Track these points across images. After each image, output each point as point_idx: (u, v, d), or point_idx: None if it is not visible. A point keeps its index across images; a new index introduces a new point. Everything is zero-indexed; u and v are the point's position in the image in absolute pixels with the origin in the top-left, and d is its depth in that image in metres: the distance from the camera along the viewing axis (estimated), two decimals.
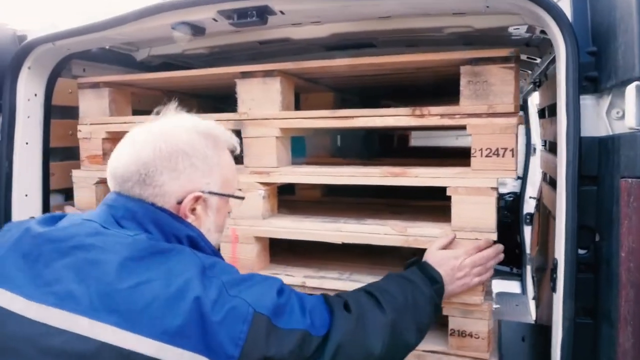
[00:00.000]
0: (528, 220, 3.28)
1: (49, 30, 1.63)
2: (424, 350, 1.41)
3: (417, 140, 3.45)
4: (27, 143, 1.71)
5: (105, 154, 1.81)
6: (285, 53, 2.24)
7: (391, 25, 1.71)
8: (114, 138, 1.81)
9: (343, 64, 1.47)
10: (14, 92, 1.63)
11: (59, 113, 1.91)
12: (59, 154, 1.96)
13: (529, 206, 3.34)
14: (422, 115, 1.38)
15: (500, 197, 3.51)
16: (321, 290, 1.46)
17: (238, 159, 1.57)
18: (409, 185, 1.40)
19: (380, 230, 1.44)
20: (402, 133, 3.23)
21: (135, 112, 1.93)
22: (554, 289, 1.21)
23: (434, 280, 1.21)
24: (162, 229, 0.93)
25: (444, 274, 1.23)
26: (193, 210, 0.99)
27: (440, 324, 1.45)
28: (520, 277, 3.48)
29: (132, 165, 0.95)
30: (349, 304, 1.03)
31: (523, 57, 2.17)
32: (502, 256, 1.33)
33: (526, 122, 3.37)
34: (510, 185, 3.53)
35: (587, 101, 1.15)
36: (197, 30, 1.56)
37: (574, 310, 1.13)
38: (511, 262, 3.49)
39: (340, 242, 1.47)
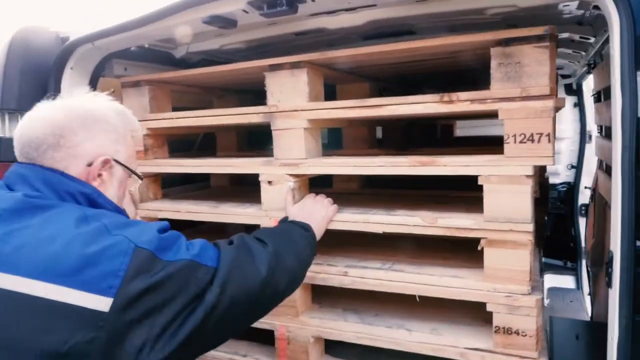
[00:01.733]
0: (583, 212, 3.11)
1: (88, 31, 1.71)
2: (466, 348, 1.36)
3: (463, 130, 3.33)
4: None
5: (147, 150, 1.87)
6: (322, 45, 2.22)
7: (429, 9, 1.65)
8: (155, 134, 1.88)
9: (368, 52, 1.44)
10: (58, 92, 1.72)
11: None
12: None
13: (584, 197, 3.14)
14: (450, 101, 1.33)
15: (553, 187, 3.32)
16: (364, 280, 1.45)
17: (270, 152, 1.60)
18: (440, 174, 1.35)
19: (409, 221, 1.40)
20: (446, 123, 3.13)
21: (176, 109, 1.98)
22: (609, 284, 1.13)
23: (300, 223, 1.37)
24: (53, 187, 0.96)
25: (303, 218, 1.41)
26: (100, 175, 1.03)
27: (484, 320, 1.40)
28: (575, 272, 3.29)
29: (47, 128, 0.99)
30: (233, 241, 1.13)
31: (575, 37, 2.03)
32: None
33: (580, 107, 3.17)
34: (564, 175, 3.33)
35: None
36: (229, 23, 1.58)
37: (631, 308, 1.05)
38: (565, 256, 3.30)
39: (369, 232, 1.45)
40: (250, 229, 1.43)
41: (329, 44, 2.22)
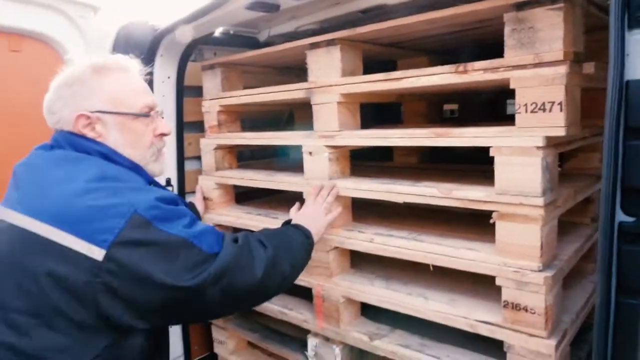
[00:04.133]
0: None
1: (172, 21, 2.00)
2: (476, 320, 1.36)
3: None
4: (162, 117, 2.13)
5: (221, 124, 2.13)
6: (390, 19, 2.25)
7: None
8: (227, 110, 2.13)
9: (387, 26, 1.47)
10: (150, 76, 2.04)
11: (195, 92, 2.31)
12: (197, 127, 2.36)
13: None
14: (465, 71, 1.31)
15: None
16: (386, 247, 1.53)
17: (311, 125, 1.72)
18: (455, 145, 1.35)
19: (427, 192, 1.42)
20: (493, 98, 2.81)
21: (249, 88, 2.20)
22: (596, 262, 1.06)
23: (303, 229, 1.45)
24: (76, 147, 1.16)
25: (306, 223, 1.48)
26: (93, 129, 1.18)
27: (498, 293, 1.38)
28: None
29: (44, 102, 1.22)
30: (238, 239, 1.20)
31: None
32: (336, 190, 1.61)
33: None
34: None
35: (638, 37, 0.96)
36: (271, 7, 1.73)
37: (609, 288, 0.99)
38: None
39: (393, 201, 1.50)
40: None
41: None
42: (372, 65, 1.87)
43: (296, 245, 1.38)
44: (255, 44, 2.48)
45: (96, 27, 2.13)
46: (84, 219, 0.99)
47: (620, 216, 0.95)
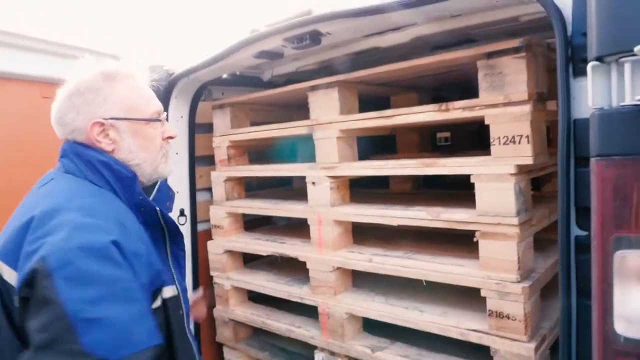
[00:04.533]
0: None
1: (184, 67, 2.22)
2: (466, 329, 1.52)
3: None
4: (177, 153, 2.33)
5: (230, 158, 2.33)
6: (384, 61, 2.47)
7: (460, 24, 1.81)
8: (236, 145, 2.33)
9: (377, 71, 1.69)
10: (166, 116, 2.26)
11: (205, 129, 2.51)
12: (207, 161, 2.56)
13: None
14: (447, 110, 1.51)
15: None
16: (384, 266, 1.69)
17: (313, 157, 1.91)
18: (441, 174, 1.54)
19: (418, 215, 1.60)
20: (479, 127, 3.05)
21: (255, 124, 2.41)
22: None
23: None
24: (81, 158, 1.12)
25: None
26: (106, 136, 1.14)
27: (484, 304, 1.54)
28: None
29: (52, 113, 1.16)
30: None
31: None
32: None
33: None
34: None
35: (582, 83, 1.16)
36: (275, 55, 1.95)
37: (570, 292, 1.16)
38: None
39: (388, 224, 1.68)
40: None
41: (401, 57, 2.45)
42: (368, 100, 2.09)
43: None
44: (259, 83, 2.70)
45: None
46: (14, 249, 0.96)
47: (576, 231, 1.13)
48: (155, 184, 1.31)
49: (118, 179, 1.13)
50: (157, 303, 1.08)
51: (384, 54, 2.36)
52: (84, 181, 1.11)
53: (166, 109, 2.25)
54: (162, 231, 1.21)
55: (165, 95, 2.28)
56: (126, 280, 0.94)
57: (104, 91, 1.14)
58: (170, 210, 1.36)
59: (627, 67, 0.89)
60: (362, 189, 2.27)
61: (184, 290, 1.24)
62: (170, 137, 1.28)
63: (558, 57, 1.13)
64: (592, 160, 0.99)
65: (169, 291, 1.13)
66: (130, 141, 1.17)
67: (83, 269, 0.89)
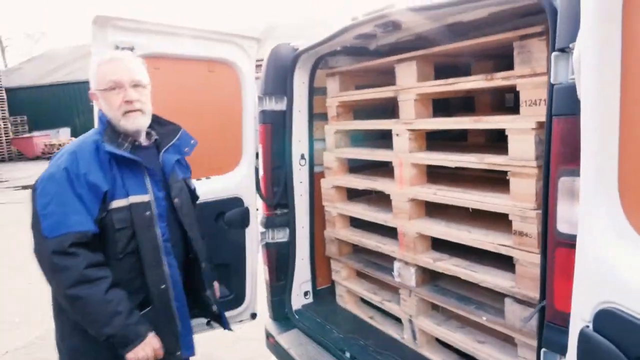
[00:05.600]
0: None
1: (306, 44, 2.90)
2: (499, 244, 2.05)
3: None
4: (299, 111, 3.06)
5: (339, 115, 3.01)
6: (473, 29, 2.89)
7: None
8: (343, 105, 2.99)
9: (443, 49, 2.18)
10: (291, 82, 2.97)
11: (321, 92, 3.20)
12: (322, 117, 3.25)
13: None
14: (491, 79, 1.99)
15: None
16: (445, 197, 2.26)
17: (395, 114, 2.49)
18: (486, 127, 2.04)
19: (470, 159, 2.12)
20: None
21: (359, 87, 3.03)
22: None
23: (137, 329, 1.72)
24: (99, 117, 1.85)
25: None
26: (97, 101, 1.81)
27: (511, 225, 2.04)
28: None
29: None
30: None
31: None
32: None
33: None
34: None
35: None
36: (370, 37, 2.53)
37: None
38: None
39: (445, 165, 2.23)
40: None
41: (482, 27, 2.86)
42: (453, 67, 2.55)
43: (110, 309, 1.64)
44: (366, 52, 3.27)
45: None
46: None
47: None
48: (177, 132, 1.99)
49: (103, 128, 1.80)
50: (113, 206, 1.71)
51: (468, 26, 2.79)
52: (94, 129, 1.84)
53: (291, 77, 3.02)
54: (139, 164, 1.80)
55: (291, 65, 3.00)
56: (64, 192, 1.63)
57: (92, 72, 1.80)
58: (189, 154, 2.05)
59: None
60: (445, 142, 2.80)
61: (158, 198, 1.82)
62: (128, 102, 1.76)
63: (550, 43, 1.57)
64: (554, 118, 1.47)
65: (132, 199, 1.74)
66: (102, 104, 1.80)
67: (43, 187, 1.66)
